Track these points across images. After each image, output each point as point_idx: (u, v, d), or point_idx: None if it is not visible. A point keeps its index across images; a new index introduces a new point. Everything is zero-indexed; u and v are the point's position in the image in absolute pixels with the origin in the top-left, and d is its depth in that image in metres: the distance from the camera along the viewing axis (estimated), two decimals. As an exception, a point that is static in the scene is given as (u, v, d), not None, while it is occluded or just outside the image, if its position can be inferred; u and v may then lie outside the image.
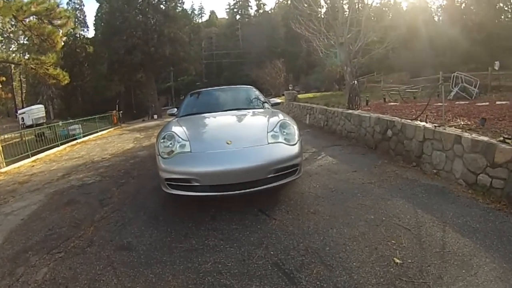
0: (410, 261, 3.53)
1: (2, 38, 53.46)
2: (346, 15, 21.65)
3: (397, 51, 39.13)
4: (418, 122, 7.21)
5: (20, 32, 24.08)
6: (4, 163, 12.09)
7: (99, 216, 5.62)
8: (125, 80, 51.60)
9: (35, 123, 31.97)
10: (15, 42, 49.90)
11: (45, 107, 48.64)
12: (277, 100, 8.24)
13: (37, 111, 42.69)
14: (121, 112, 34.24)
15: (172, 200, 5.79)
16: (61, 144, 16.60)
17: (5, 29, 50.39)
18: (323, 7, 30.52)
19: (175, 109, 7.81)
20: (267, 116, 6.31)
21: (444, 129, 6.23)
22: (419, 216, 4.56)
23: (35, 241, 4.85)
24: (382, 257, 3.64)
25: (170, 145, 5.41)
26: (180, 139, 5.48)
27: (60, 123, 22.71)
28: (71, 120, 22.82)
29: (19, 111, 46.29)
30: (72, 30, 48.53)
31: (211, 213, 5.14)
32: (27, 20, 17.11)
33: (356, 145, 9.49)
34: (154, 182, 6.61)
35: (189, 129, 5.92)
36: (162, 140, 5.56)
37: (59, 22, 18.00)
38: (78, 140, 18.23)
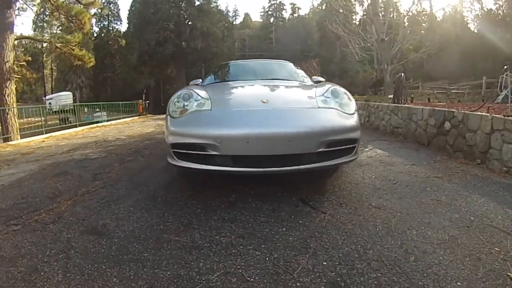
0: (529, 275, 2.42)
1: (36, 27, 54.58)
2: (384, 15, 21.29)
3: (432, 60, 38.87)
4: (482, 112, 6.14)
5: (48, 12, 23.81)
6: (18, 135, 12.64)
7: (85, 189, 4.62)
8: (155, 73, 50.98)
9: (62, 109, 31.66)
10: (48, 30, 50.66)
11: (74, 95, 48.59)
12: (321, 78, 6.58)
13: (65, 97, 42.48)
14: (148, 102, 33.55)
15: (182, 179, 4.77)
16: (80, 125, 15.95)
17: (40, 16, 51.25)
18: (362, 5, 30.69)
19: (200, 80, 6.45)
20: (314, 85, 5.16)
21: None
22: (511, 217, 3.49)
23: (-1, 208, 3.95)
24: (491, 272, 2.50)
25: (186, 105, 4.21)
26: (199, 97, 4.30)
27: (86, 109, 22.23)
28: (94, 103, 22.18)
29: (47, 97, 46.25)
30: (100, 11, 48.74)
31: (231, 199, 3.93)
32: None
33: (404, 141, 8.43)
34: (164, 161, 5.28)
35: (213, 91, 4.73)
36: (175, 99, 4.36)
37: (86, 1, 17.54)
38: (99, 124, 17.43)
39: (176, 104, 4.26)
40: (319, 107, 4.09)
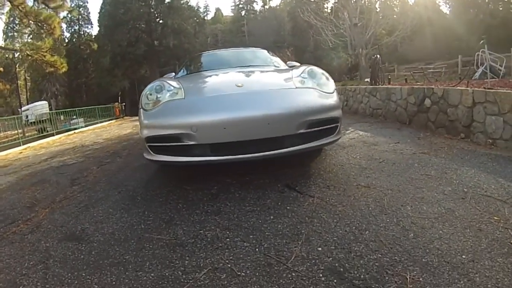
0: (535, 241, 2.39)
1: (7, 37, 53.70)
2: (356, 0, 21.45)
3: (406, 43, 39.77)
4: (462, 88, 6.17)
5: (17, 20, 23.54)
6: None
7: (62, 196, 4.43)
8: (129, 75, 50.49)
9: (39, 119, 31.28)
10: (19, 39, 49.87)
11: (49, 104, 48.04)
12: (296, 63, 6.34)
13: (41, 107, 41.97)
14: (124, 104, 33.25)
15: (161, 175, 4.67)
16: (57, 133, 15.66)
17: (10, 25, 50.38)
18: None
19: (173, 74, 6.20)
20: (290, 68, 5.06)
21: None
22: (505, 186, 3.46)
23: (-24, 223, 3.73)
24: (495, 242, 2.43)
25: (158, 97, 4.05)
26: (171, 87, 4.14)
27: (62, 117, 21.88)
28: (71, 109, 21.85)
29: (23, 108, 45.67)
30: (69, 14, 47.72)
31: (213, 191, 3.78)
32: (23, 5, 16.39)
33: (385, 121, 8.45)
34: (143, 160, 5.11)
35: (186, 81, 4.63)
36: (148, 92, 4.19)
37: (54, 4, 17.23)
38: (76, 130, 17.19)
39: (149, 96, 4.11)
40: (296, 88, 3.99)
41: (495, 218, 2.75)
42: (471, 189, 3.39)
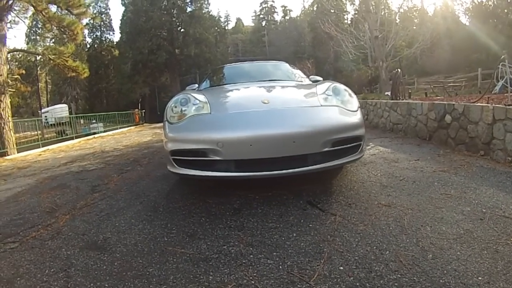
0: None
1: (29, 40, 54.49)
2: (375, 12, 21.36)
3: (426, 55, 39.20)
4: (483, 103, 6.09)
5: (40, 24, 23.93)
6: (15, 149, 12.57)
7: (83, 202, 4.46)
8: (150, 82, 50.50)
9: (58, 122, 31.56)
10: (41, 42, 50.52)
11: (69, 107, 48.44)
12: (318, 77, 6.47)
13: (61, 110, 42.38)
14: (144, 111, 33.48)
15: (182, 187, 4.63)
16: (76, 137, 15.80)
17: (33, 29, 51.15)
18: (353, 4, 31.13)
19: (196, 85, 6.33)
20: (313, 84, 5.05)
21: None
22: None
23: (-6, 226, 3.81)
24: (511, 264, 2.40)
25: (183, 110, 4.06)
26: (197, 101, 4.15)
27: (82, 121, 22.10)
28: (90, 114, 22.04)
29: (43, 110, 46.13)
30: (92, 21, 48.27)
31: (236, 205, 3.78)
32: (46, 11, 16.61)
33: (405, 137, 8.35)
34: (163, 169, 5.22)
35: (211, 94, 4.63)
36: (173, 105, 4.22)
37: (77, 11, 17.47)
38: (95, 135, 17.34)
39: (174, 109, 4.13)
40: (321, 106, 3.98)
41: (512, 240, 2.69)
42: (490, 209, 3.36)
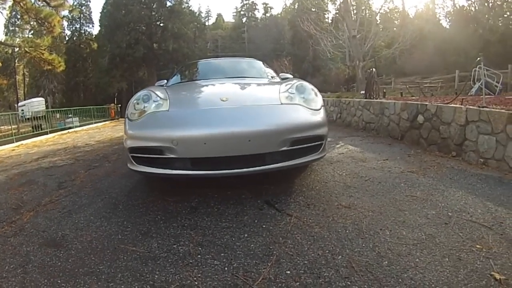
0: (516, 275, 2.28)
1: (8, 31, 53.61)
2: (356, 12, 21.59)
3: (405, 56, 39.74)
4: (456, 105, 6.13)
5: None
6: None
7: (48, 199, 4.40)
8: (127, 76, 50.45)
9: (35, 116, 31.14)
10: (20, 34, 49.76)
11: (46, 101, 47.89)
12: (288, 75, 6.39)
13: (37, 104, 41.78)
14: (120, 106, 33.13)
15: (145, 184, 4.66)
16: (51, 132, 15.65)
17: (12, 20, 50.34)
18: (334, 3, 31.38)
19: (165, 81, 6.25)
20: (280, 81, 5.02)
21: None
22: (492, 210, 3.37)
23: (-39, 223, 3.72)
24: (473, 273, 2.33)
25: (145, 107, 4.02)
26: (158, 98, 4.11)
27: (58, 115, 21.80)
28: (67, 108, 21.79)
29: (19, 103, 45.53)
30: (70, 13, 47.65)
31: (193, 204, 3.76)
32: (24, 2, 16.37)
33: (377, 136, 8.41)
34: None
35: (173, 91, 4.62)
36: (135, 101, 4.16)
37: (55, 3, 17.22)
38: (70, 130, 17.12)
39: (136, 106, 4.08)
40: (281, 104, 3.94)
41: (478, 246, 2.66)
42: (456, 213, 3.32)
